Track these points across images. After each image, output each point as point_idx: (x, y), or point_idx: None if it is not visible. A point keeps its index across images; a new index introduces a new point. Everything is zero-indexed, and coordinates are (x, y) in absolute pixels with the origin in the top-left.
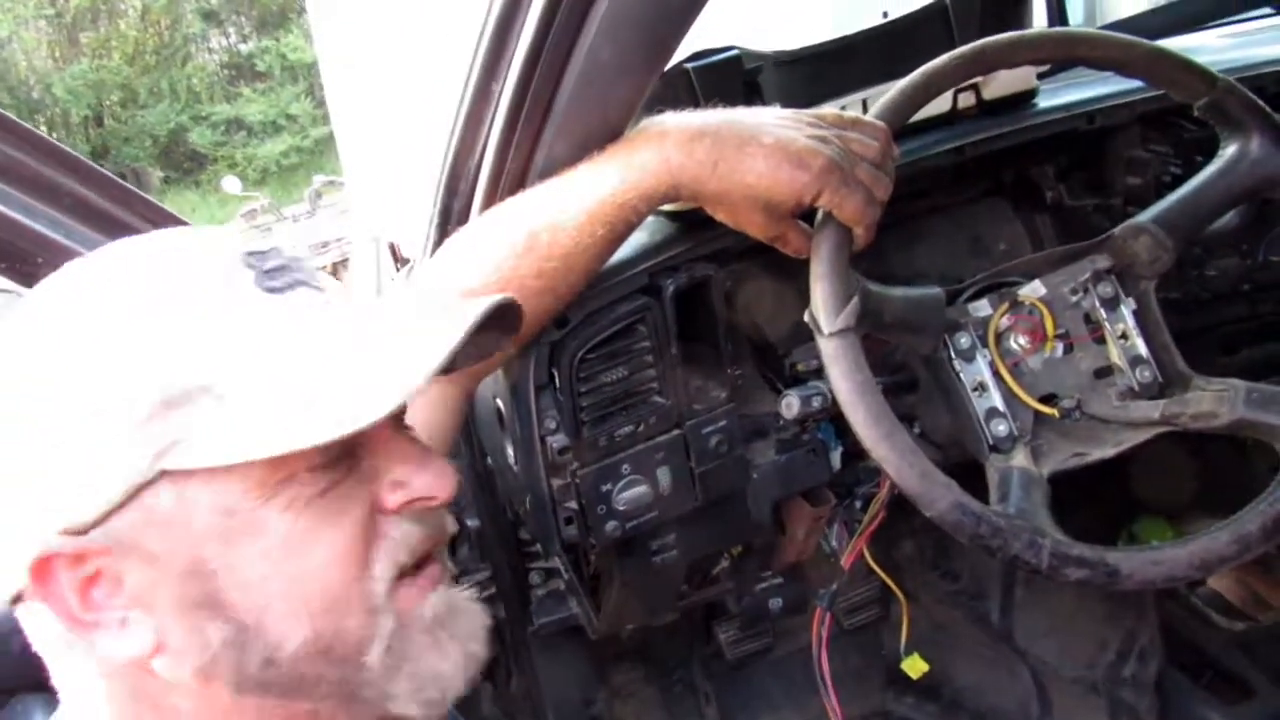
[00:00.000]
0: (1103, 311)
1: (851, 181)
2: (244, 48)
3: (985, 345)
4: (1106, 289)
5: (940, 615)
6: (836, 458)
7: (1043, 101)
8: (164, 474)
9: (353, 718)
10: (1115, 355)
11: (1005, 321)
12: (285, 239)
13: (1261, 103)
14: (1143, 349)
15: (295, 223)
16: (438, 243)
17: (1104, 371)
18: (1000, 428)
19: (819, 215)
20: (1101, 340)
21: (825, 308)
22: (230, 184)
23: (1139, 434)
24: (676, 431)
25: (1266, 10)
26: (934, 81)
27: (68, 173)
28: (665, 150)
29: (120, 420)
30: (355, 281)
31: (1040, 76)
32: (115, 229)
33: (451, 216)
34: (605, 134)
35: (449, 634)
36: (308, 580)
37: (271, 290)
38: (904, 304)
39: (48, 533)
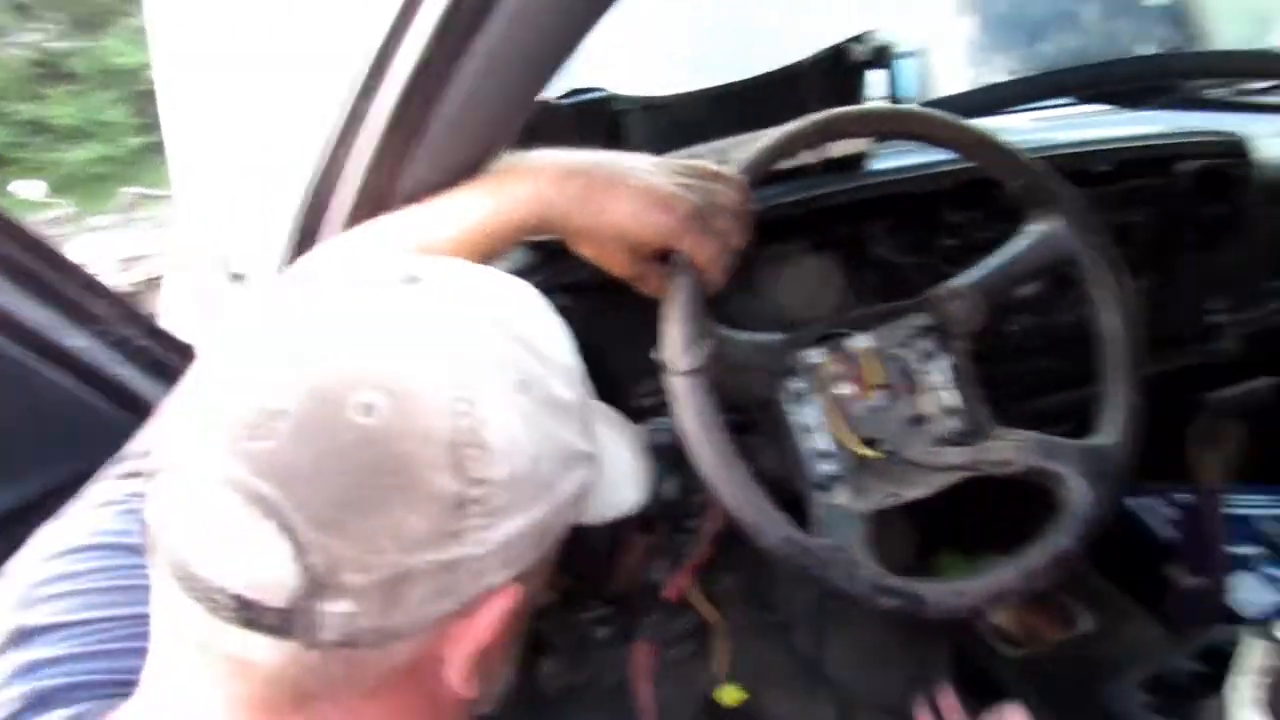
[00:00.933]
0: (921, 365)
1: (711, 229)
2: (57, 46)
3: (816, 390)
4: (926, 345)
5: (755, 648)
6: (670, 488)
7: (877, 164)
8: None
9: None
10: (930, 405)
11: (835, 369)
12: (87, 250)
13: (1067, 188)
14: (954, 400)
15: (97, 234)
16: (293, 258)
17: (919, 420)
18: (825, 467)
19: (675, 259)
20: (918, 391)
21: (678, 348)
22: (28, 188)
23: (947, 477)
24: None
25: (1067, 100)
26: (792, 143)
27: None
28: (539, 185)
29: (587, 474)
30: (169, 299)
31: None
32: None
33: (313, 233)
34: (475, 162)
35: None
36: None
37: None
38: (750, 347)
39: (508, 578)
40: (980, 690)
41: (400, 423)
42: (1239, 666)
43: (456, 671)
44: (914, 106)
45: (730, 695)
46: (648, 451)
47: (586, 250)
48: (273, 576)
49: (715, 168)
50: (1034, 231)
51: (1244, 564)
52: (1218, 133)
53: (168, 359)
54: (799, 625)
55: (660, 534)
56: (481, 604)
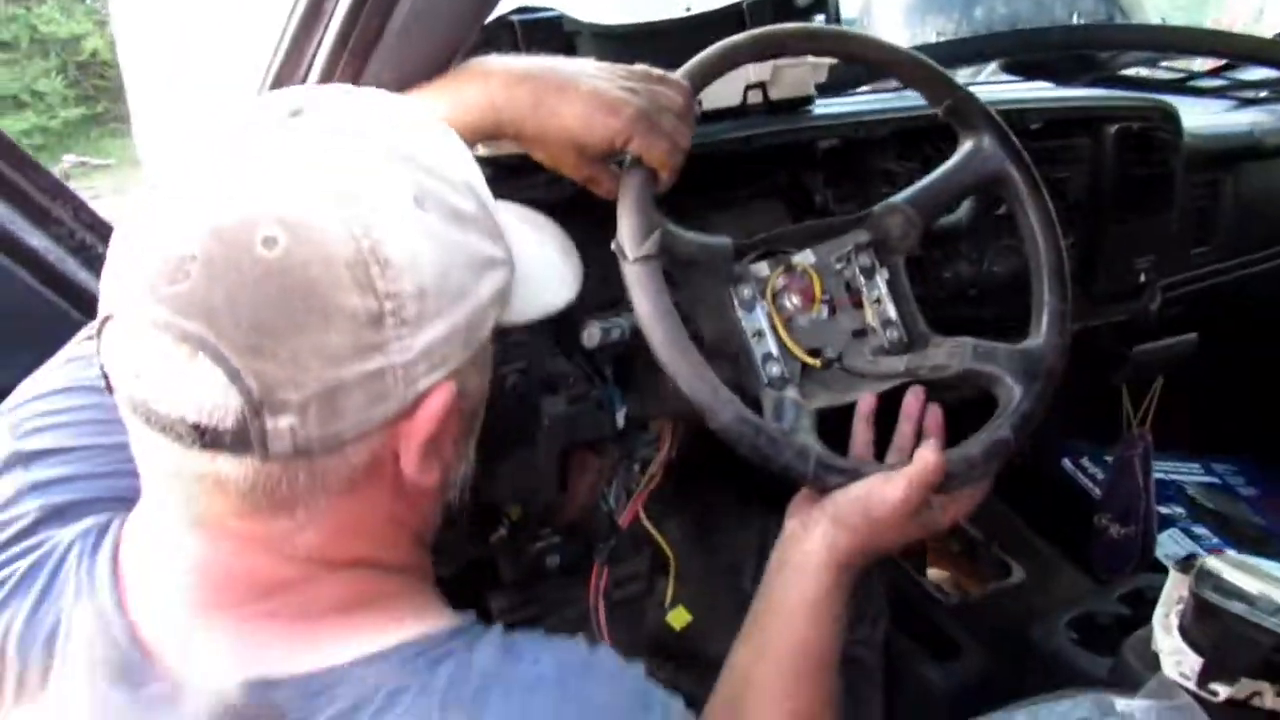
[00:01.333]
0: (861, 279)
1: (658, 129)
2: None
3: (763, 298)
4: (865, 260)
5: (701, 592)
6: (620, 417)
7: (819, 110)
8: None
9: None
10: (870, 317)
11: (781, 282)
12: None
13: (991, 110)
14: (892, 313)
15: None
16: None
17: (860, 332)
18: (774, 369)
19: (628, 159)
20: (859, 305)
21: (631, 237)
22: None
23: (887, 383)
24: None
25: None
26: (732, 54)
27: None
28: (490, 89)
29: (503, 280)
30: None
31: (820, 91)
32: None
33: None
34: (430, 68)
35: None
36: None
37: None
38: (697, 245)
39: (442, 376)
40: (917, 633)
41: (301, 251)
42: (1162, 597)
43: (410, 464)
44: (852, 29)
45: (678, 618)
46: (571, 251)
47: (539, 154)
48: (216, 402)
49: (659, 72)
50: (963, 150)
51: (1170, 522)
52: (1147, 98)
53: None
54: (745, 566)
55: (612, 461)
56: (419, 404)
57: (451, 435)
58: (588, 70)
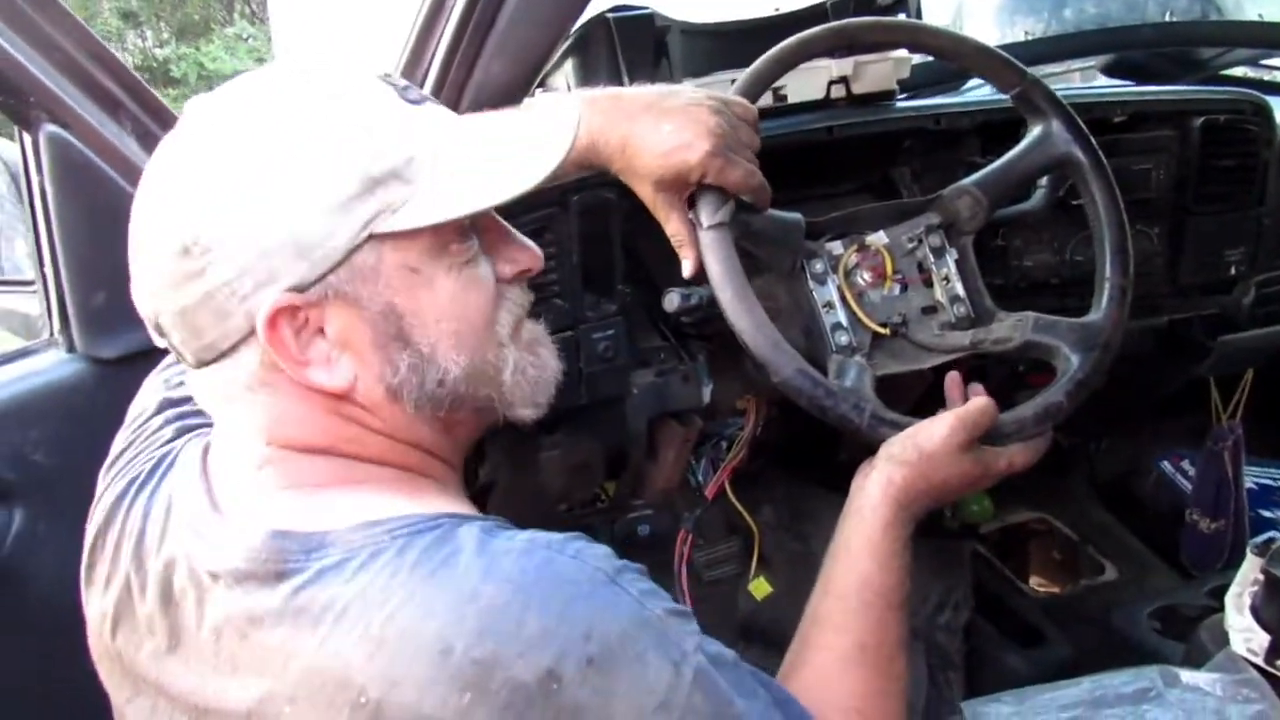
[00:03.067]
0: (932, 259)
1: (733, 163)
2: (160, 52)
3: (835, 273)
4: (935, 240)
5: (791, 576)
6: (707, 393)
7: (900, 104)
8: (370, 238)
9: (482, 423)
10: (940, 294)
11: (854, 260)
12: None
13: (1058, 95)
14: (960, 290)
15: None
16: None
17: (930, 309)
18: (843, 338)
19: None
20: (929, 283)
21: (706, 207)
22: None
23: (952, 355)
24: (569, 333)
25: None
26: (807, 47)
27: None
28: (589, 123)
29: (336, 197)
30: None
31: (904, 90)
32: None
33: None
34: (536, 55)
35: (545, 349)
36: (465, 324)
37: (412, 102)
38: (770, 220)
39: (277, 292)
40: (1003, 624)
41: (155, 215)
42: (1237, 578)
43: (292, 367)
44: (920, 21)
45: (759, 589)
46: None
47: (625, 180)
48: (150, 327)
49: (726, 97)
50: (1031, 134)
51: (1273, 525)
52: (1236, 92)
53: None
54: None
55: (697, 432)
56: (273, 315)
57: (363, 339)
58: (678, 106)
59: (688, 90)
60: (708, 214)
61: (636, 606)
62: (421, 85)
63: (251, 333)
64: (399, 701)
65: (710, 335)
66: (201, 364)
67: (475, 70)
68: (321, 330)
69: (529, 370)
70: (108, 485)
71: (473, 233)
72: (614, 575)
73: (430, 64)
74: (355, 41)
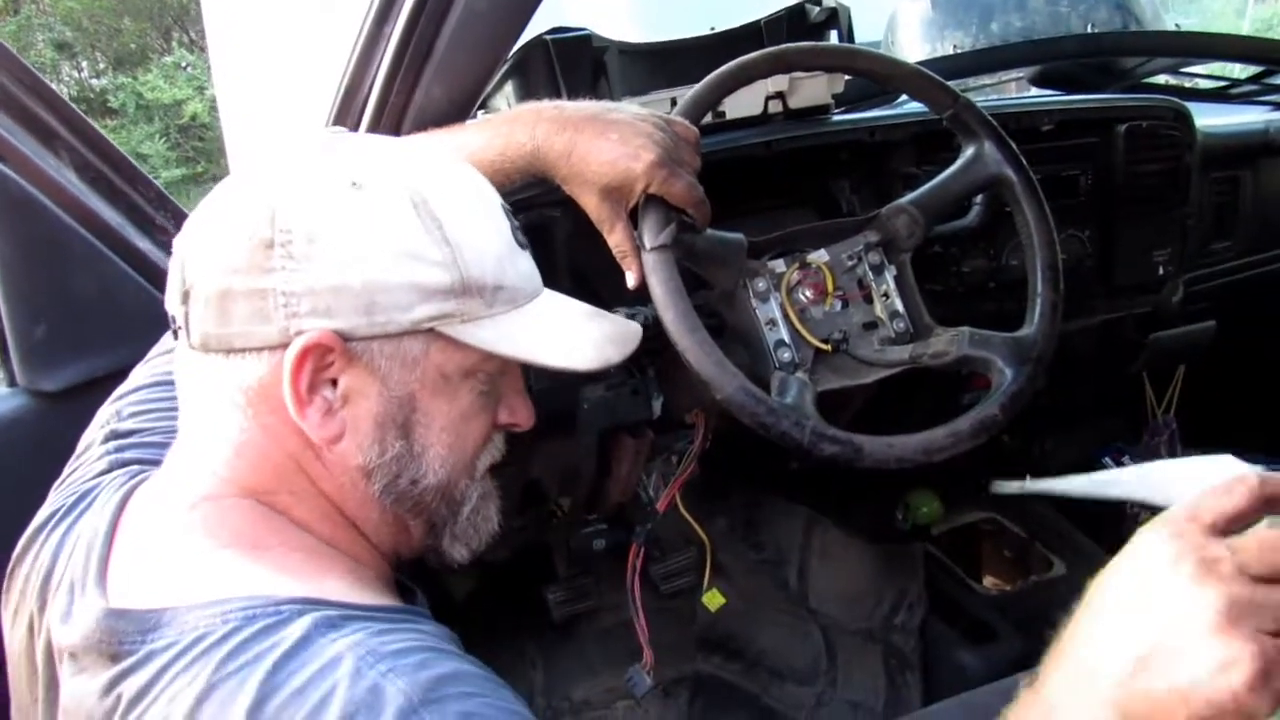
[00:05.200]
0: (871, 276)
1: (676, 175)
2: (97, 83)
3: (778, 291)
4: (875, 258)
5: (747, 585)
6: (657, 406)
7: (836, 117)
8: (431, 331)
9: (421, 542)
10: (879, 310)
11: (796, 277)
12: None
13: (990, 117)
14: (899, 306)
15: None
16: None
17: (870, 324)
18: (785, 354)
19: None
20: (869, 299)
21: (649, 228)
22: None
23: (892, 370)
24: None
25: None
26: (745, 71)
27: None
28: (536, 134)
29: (427, 282)
30: None
31: (840, 103)
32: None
33: None
34: (476, 79)
35: (494, 505)
36: (459, 443)
37: (520, 245)
38: (713, 240)
39: (326, 327)
40: (957, 623)
41: (250, 192)
42: None
43: (292, 398)
44: (856, 45)
45: (712, 600)
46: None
47: (569, 190)
48: (174, 288)
49: (667, 117)
50: (964, 155)
51: None
52: (1157, 99)
53: None
54: (789, 560)
55: (648, 446)
56: (313, 344)
57: (370, 410)
58: (623, 119)
59: (631, 107)
60: (650, 236)
61: None
62: (361, 111)
63: (277, 348)
64: None
65: (658, 350)
66: (205, 349)
67: (415, 94)
68: (335, 382)
69: (481, 514)
70: (41, 512)
71: (499, 373)
72: (420, 704)
73: (370, 90)
74: (293, 68)
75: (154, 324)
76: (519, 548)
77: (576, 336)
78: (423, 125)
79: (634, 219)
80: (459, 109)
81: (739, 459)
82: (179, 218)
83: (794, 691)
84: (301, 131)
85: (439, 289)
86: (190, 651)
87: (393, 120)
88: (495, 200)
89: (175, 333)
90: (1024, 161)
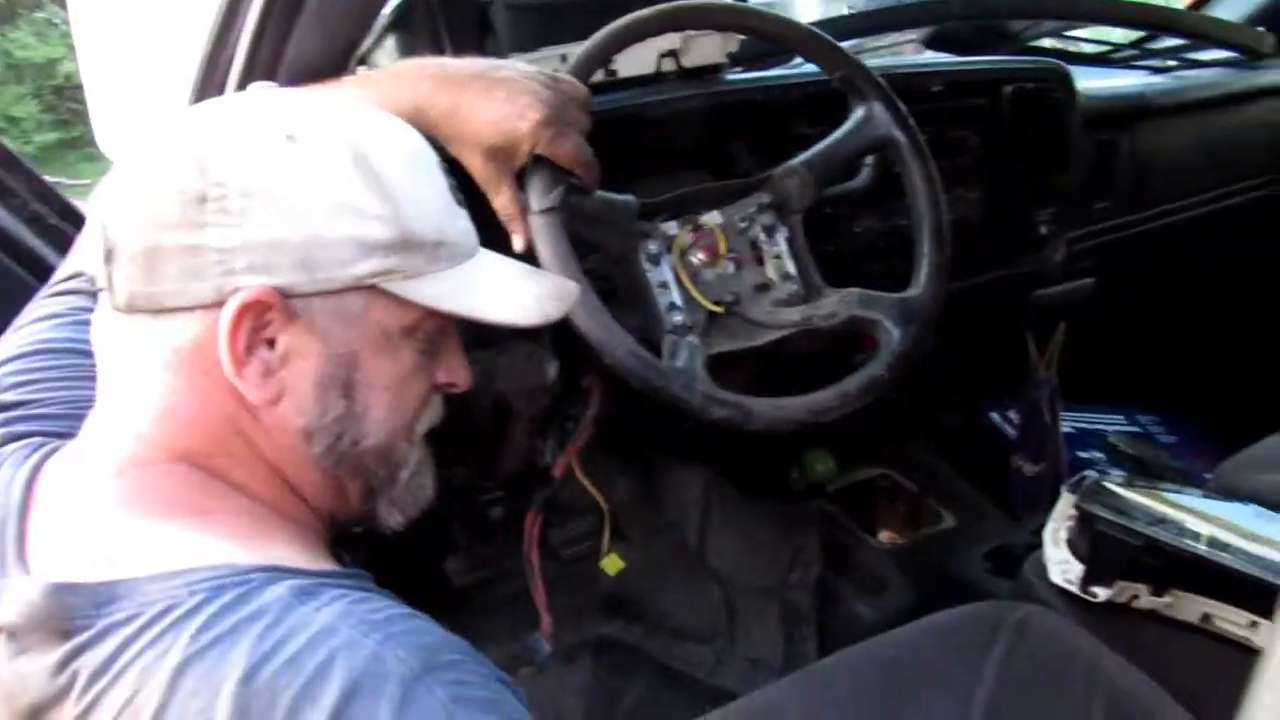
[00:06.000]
0: (764, 237)
1: (564, 135)
2: None
3: (670, 253)
4: (767, 219)
5: (647, 548)
6: (551, 370)
7: (730, 77)
8: (372, 288)
9: (358, 507)
10: (771, 272)
11: (688, 239)
12: None
13: (880, 80)
14: (791, 268)
15: None
16: None
17: (762, 286)
18: (677, 318)
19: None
20: (761, 260)
21: (536, 189)
22: None
23: (784, 331)
24: None
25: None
26: (636, 28)
27: None
28: (419, 91)
29: (369, 236)
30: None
31: (734, 63)
32: None
33: None
34: (351, 31)
35: (430, 472)
36: (400, 403)
37: (458, 204)
38: (602, 202)
39: (265, 284)
40: (851, 576)
41: (177, 144)
42: (1053, 515)
43: (228, 360)
44: (749, 5)
45: (611, 564)
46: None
47: (453, 151)
48: (95, 252)
49: (555, 74)
50: (854, 117)
51: (1088, 466)
52: (1041, 61)
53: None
54: (688, 522)
55: (543, 411)
56: (250, 303)
57: (309, 370)
58: (510, 77)
59: (518, 64)
60: (537, 198)
61: (438, 710)
62: (229, 65)
63: (211, 306)
64: None
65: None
66: (131, 309)
67: (287, 47)
68: (272, 343)
69: (417, 479)
70: None
71: (439, 332)
72: (422, 672)
73: (236, 42)
74: (157, 20)
75: (7, 299)
76: (414, 518)
77: (517, 293)
78: (296, 81)
79: (521, 181)
80: (334, 64)
81: (636, 423)
82: (30, 178)
83: (695, 651)
84: (172, 94)
85: (380, 244)
86: (158, 624)
87: (263, 75)
88: (433, 157)
89: (96, 295)
90: (912, 123)
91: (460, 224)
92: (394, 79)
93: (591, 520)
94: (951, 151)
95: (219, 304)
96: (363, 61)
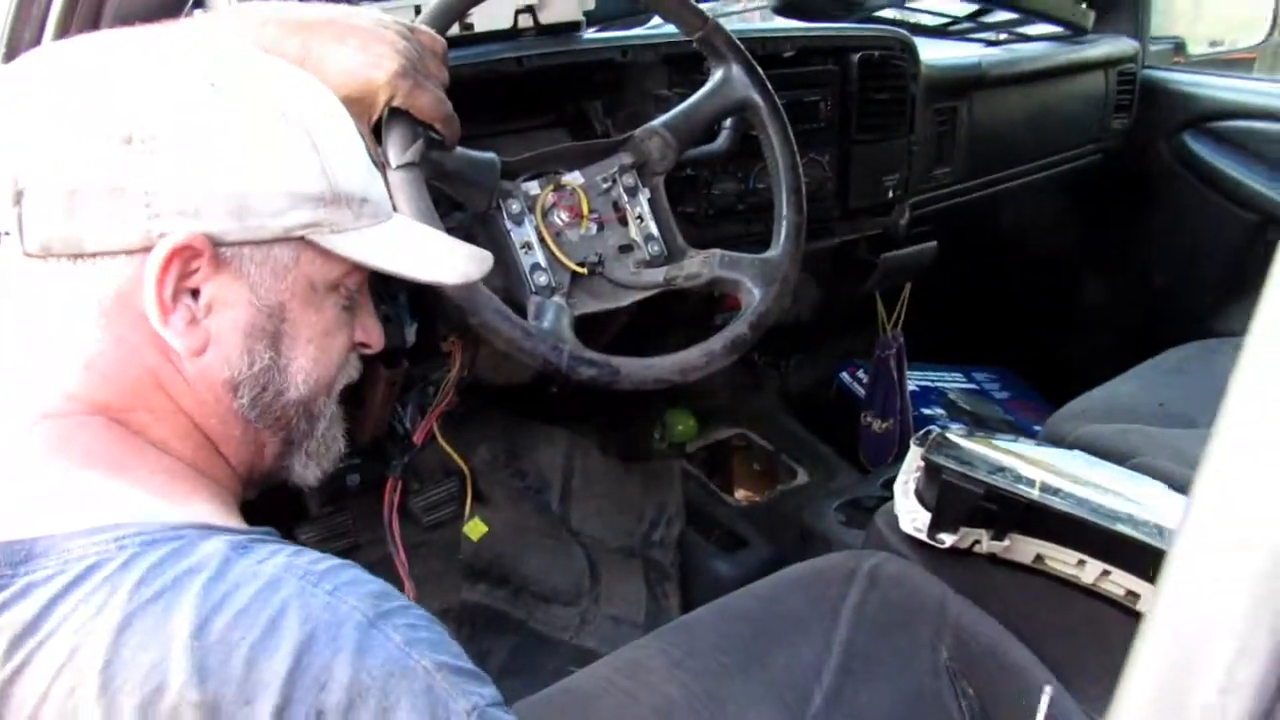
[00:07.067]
0: (626, 198)
1: (422, 86)
2: None
3: (533, 213)
4: (629, 180)
5: (510, 512)
6: (410, 333)
7: (588, 35)
8: (301, 240)
9: (274, 460)
10: (634, 233)
11: (551, 199)
12: None
13: (739, 42)
14: (654, 229)
15: None
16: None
17: (625, 247)
18: (541, 278)
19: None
20: (624, 222)
21: (394, 144)
22: None
23: (648, 292)
24: None
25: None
26: None
27: None
28: (262, 38)
29: (300, 187)
30: None
31: (592, 22)
32: None
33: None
34: None
35: (341, 429)
36: (323, 357)
37: (376, 164)
38: (464, 159)
39: (195, 229)
40: (711, 532)
41: (102, 79)
42: (903, 467)
43: (153, 307)
44: None
45: (474, 529)
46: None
47: None
48: (4, 188)
49: (411, 25)
50: (714, 78)
51: (930, 421)
52: (887, 30)
53: None
54: (551, 486)
55: (403, 375)
56: (180, 248)
57: (237, 320)
58: (363, 25)
59: (371, 11)
60: (396, 153)
61: (396, 654)
62: (45, 14)
63: (136, 251)
64: None
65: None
66: (47, 253)
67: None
68: (197, 292)
69: (331, 432)
70: None
71: (359, 290)
72: (375, 619)
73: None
74: None
75: None
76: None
77: (437, 253)
78: (126, 20)
79: (378, 135)
80: (168, 3)
81: (497, 386)
82: None
83: (559, 613)
84: None
85: (310, 196)
86: (86, 580)
87: (89, 12)
88: (349, 116)
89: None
90: (770, 87)
91: (379, 184)
92: (236, 20)
93: (452, 486)
94: (804, 117)
95: (145, 249)
96: (198, 4)
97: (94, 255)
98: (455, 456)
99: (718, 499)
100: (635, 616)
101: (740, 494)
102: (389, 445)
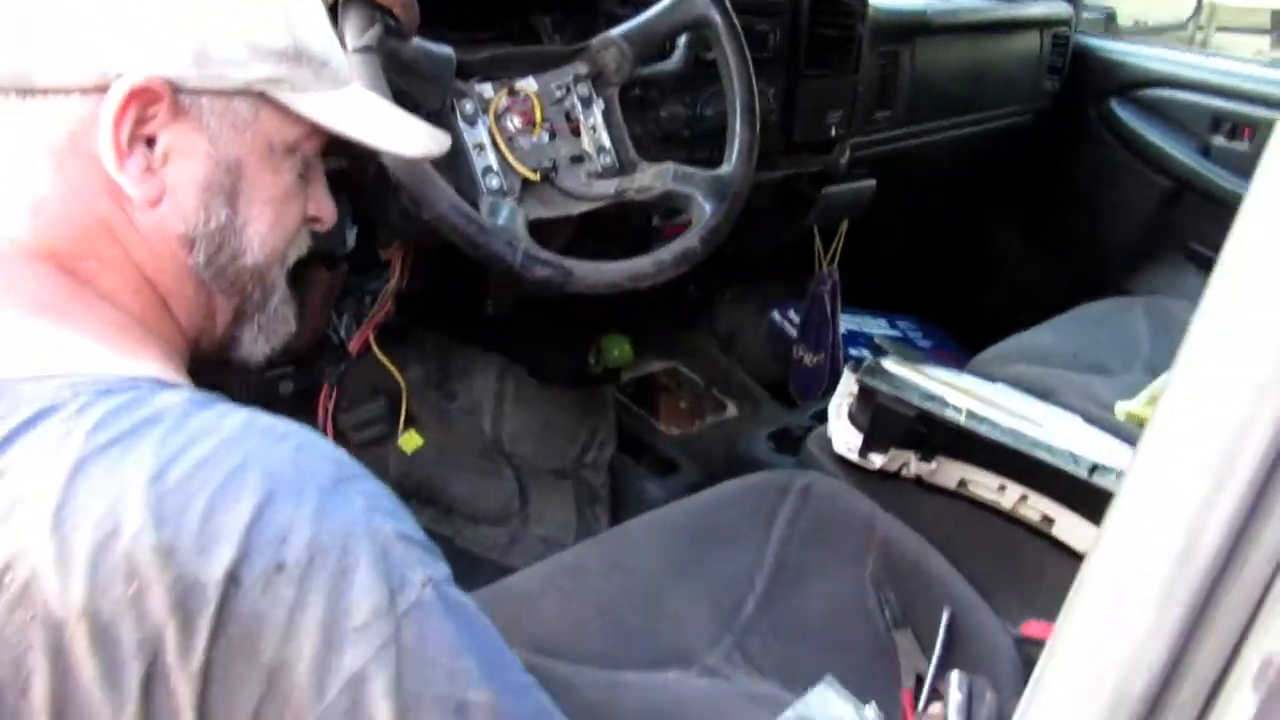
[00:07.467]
0: (580, 108)
1: None
2: None
3: (486, 115)
4: (583, 90)
5: (441, 434)
6: (351, 237)
7: None
8: (261, 96)
9: (226, 329)
10: (587, 144)
11: (504, 103)
12: None
13: None
14: (606, 140)
15: None
16: None
17: (577, 158)
18: (494, 181)
19: None
20: (577, 132)
21: (351, 27)
22: None
23: (598, 203)
24: None
25: None
26: None
27: None
28: None
29: (263, 40)
30: None
31: None
32: None
33: None
34: None
35: (291, 310)
36: (279, 223)
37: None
38: (421, 51)
39: (154, 72)
40: (643, 458)
41: None
42: (837, 391)
43: (107, 149)
44: None
45: (409, 442)
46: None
47: None
48: None
49: None
50: None
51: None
52: None
53: None
54: (483, 408)
55: (341, 278)
56: (139, 89)
57: (194, 173)
58: None
59: None
60: (353, 36)
61: (359, 517)
62: None
63: (91, 91)
64: (51, 585)
65: (352, 172)
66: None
67: None
68: (153, 141)
69: (282, 310)
70: None
71: (313, 161)
72: (338, 481)
73: None
74: None
75: None
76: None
77: (398, 125)
78: None
79: (333, 17)
80: None
81: (434, 304)
82: None
83: (488, 533)
84: None
85: (274, 51)
86: (38, 424)
87: None
88: None
89: None
90: (728, 5)
91: (339, 51)
92: None
93: (383, 404)
94: (753, 45)
95: (100, 89)
96: None
97: (45, 92)
98: (392, 368)
99: (649, 425)
100: (564, 537)
101: (668, 424)
102: (324, 355)
